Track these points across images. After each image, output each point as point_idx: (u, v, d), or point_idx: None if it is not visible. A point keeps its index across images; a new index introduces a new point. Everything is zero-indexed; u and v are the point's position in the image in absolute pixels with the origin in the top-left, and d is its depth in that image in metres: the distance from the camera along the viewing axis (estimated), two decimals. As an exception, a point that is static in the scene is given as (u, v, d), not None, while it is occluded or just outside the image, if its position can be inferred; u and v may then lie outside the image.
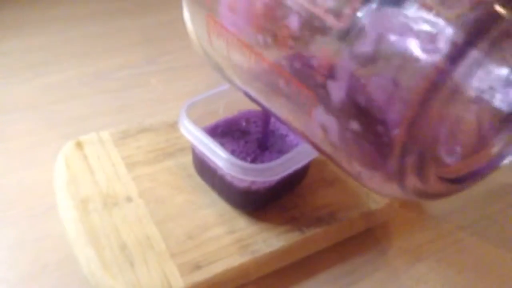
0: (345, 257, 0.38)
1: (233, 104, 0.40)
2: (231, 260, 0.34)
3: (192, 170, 0.40)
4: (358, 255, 0.39)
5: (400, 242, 0.40)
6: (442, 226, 0.42)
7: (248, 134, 0.39)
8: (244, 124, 0.40)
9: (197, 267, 0.33)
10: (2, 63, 0.56)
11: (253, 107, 0.37)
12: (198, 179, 0.40)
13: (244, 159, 0.37)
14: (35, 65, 0.56)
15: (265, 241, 0.36)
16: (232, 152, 0.37)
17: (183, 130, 0.36)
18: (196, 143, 0.35)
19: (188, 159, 0.41)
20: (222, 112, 0.40)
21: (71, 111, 0.49)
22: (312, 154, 0.36)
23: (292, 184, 0.39)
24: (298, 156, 0.35)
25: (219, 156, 0.33)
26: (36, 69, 0.55)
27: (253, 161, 0.37)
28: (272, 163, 0.33)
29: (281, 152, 0.38)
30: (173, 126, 0.45)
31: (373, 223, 0.40)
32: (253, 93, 0.29)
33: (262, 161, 0.37)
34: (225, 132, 0.39)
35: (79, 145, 0.42)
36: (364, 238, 0.40)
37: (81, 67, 0.56)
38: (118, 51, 0.60)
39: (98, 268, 0.32)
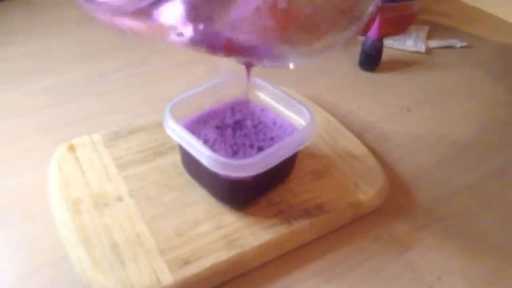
0: (336, 247, 0.39)
1: (218, 98, 0.40)
2: (219, 255, 0.35)
3: (181, 168, 0.41)
4: (348, 245, 0.39)
5: (390, 230, 0.40)
6: (432, 213, 0.42)
7: (233, 124, 0.40)
8: (229, 113, 0.40)
9: (186, 262, 0.34)
10: (-3, 70, 0.57)
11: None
12: (187, 177, 0.40)
13: (228, 149, 0.37)
14: (28, 71, 0.57)
15: (253, 234, 0.36)
16: (214, 142, 0.37)
17: (168, 130, 0.36)
18: (180, 141, 0.35)
19: (178, 157, 0.41)
20: (208, 106, 0.40)
21: (64, 115, 0.50)
22: (297, 147, 0.37)
23: (279, 176, 0.39)
24: (281, 150, 0.35)
25: (202, 153, 0.34)
26: (29, 75, 0.56)
27: (237, 151, 0.37)
28: (255, 158, 0.34)
29: (272, 139, 0.38)
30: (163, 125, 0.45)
31: (361, 213, 0.40)
32: None
33: (245, 152, 0.37)
34: (210, 122, 0.39)
35: (71, 148, 0.43)
36: (354, 228, 0.40)
37: (73, 71, 0.57)
38: (109, 55, 0.61)
39: (89, 266, 0.33)
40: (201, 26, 0.26)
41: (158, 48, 0.63)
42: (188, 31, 0.26)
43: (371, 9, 0.31)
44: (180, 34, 0.26)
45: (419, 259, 0.38)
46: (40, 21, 0.68)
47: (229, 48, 0.29)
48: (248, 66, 0.36)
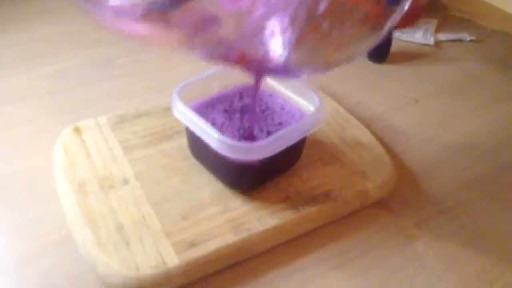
0: (342, 235, 0.38)
1: (226, 82, 0.40)
2: (225, 238, 0.34)
3: (187, 152, 0.41)
4: (354, 233, 0.39)
5: (398, 220, 0.40)
6: (439, 204, 0.42)
7: (241, 109, 0.39)
8: (237, 98, 0.40)
9: (192, 245, 0.34)
10: (3, 55, 0.57)
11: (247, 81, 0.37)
12: (193, 161, 0.40)
13: (235, 133, 0.37)
14: (35, 56, 0.57)
15: (259, 219, 0.36)
16: (222, 125, 0.37)
17: (175, 112, 0.36)
18: (188, 124, 0.35)
19: (184, 142, 0.41)
20: (217, 90, 0.40)
21: (69, 100, 0.50)
22: (306, 132, 0.36)
23: (286, 162, 0.39)
24: (290, 134, 0.35)
25: (210, 136, 0.33)
26: (36, 60, 0.56)
27: (245, 135, 0.37)
28: (264, 141, 0.33)
29: (281, 124, 0.38)
30: (169, 110, 0.45)
31: (368, 201, 0.40)
32: None
33: (253, 136, 0.37)
34: (218, 106, 0.39)
35: (77, 130, 0.42)
36: (361, 216, 0.40)
37: (79, 57, 0.57)
38: (115, 41, 0.61)
39: (94, 247, 0.33)
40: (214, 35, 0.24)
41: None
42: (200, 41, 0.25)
43: (395, 17, 0.29)
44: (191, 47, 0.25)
45: (426, 249, 0.38)
46: (45, 7, 0.68)
47: (243, 60, 0.28)
48: (259, 78, 0.35)
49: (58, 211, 0.37)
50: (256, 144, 0.33)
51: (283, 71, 0.29)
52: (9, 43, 0.59)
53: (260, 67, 0.29)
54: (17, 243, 0.36)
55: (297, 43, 0.26)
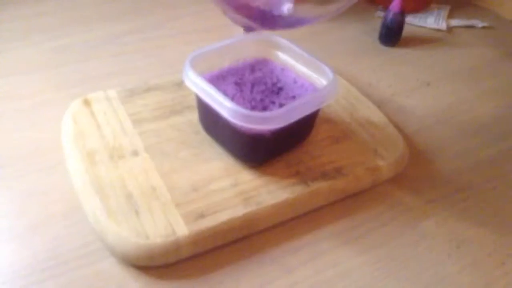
0: (352, 212, 0.38)
1: (238, 56, 0.39)
2: (235, 210, 0.34)
3: (198, 127, 0.40)
4: (365, 211, 0.38)
5: (408, 199, 0.40)
6: (451, 184, 0.41)
7: (253, 81, 0.39)
8: (249, 71, 0.40)
9: (201, 216, 0.33)
10: (12, 27, 0.56)
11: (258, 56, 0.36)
12: (204, 135, 0.40)
13: (247, 104, 0.36)
14: (45, 29, 0.56)
15: (270, 193, 0.36)
16: (233, 97, 0.36)
17: (186, 81, 0.35)
18: (199, 93, 0.35)
19: (195, 116, 0.41)
20: (228, 64, 0.39)
21: (80, 73, 0.50)
22: (319, 105, 0.36)
23: (298, 136, 0.38)
24: (303, 106, 0.34)
25: (222, 105, 0.33)
26: (46, 34, 0.56)
27: (257, 107, 0.36)
28: (277, 111, 0.33)
29: (294, 98, 0.37)
30: (180, 85, 0.44)
31: (380, 179, 0.39)
32: None
33: (265, 108, 0.36)
34: (229, 79, 0.39)
35: (86, 102, 0.42)
36: (372, 194, 0.39)
37: (90, 31, 0.57)
38: (126, 17, 0.60)
39: (103, 215, 0.33)
40: None
41: (175, 13, 0.62)
42: None
43: None
44: None
45: (437, 227, 0.38)
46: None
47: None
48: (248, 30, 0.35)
49: (67, 181, 0.37)
50: (269, 113, 0.33)
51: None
52: (19, 16, 0.59)
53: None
54: (26, 211, 0.35)
55: None
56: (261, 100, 0.37)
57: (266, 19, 0.30)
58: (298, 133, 0.38)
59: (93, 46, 0.54)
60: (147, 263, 0.32)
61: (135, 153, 0.38)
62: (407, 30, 0.62)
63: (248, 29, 0.35)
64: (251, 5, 0.28)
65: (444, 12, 0.68)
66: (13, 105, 0.45)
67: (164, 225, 0.32)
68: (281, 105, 0.36)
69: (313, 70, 0.39)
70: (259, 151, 0.36)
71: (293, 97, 0.37)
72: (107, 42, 0.55)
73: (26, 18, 0.58)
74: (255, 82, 0.38)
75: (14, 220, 0.35)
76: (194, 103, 0.40)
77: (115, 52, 0.54)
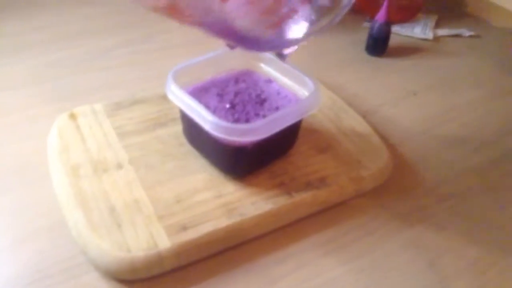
0: (336, 222, 0.38)
1: (222, 68, 0.40)
2: (218, 222, 0.34)
3: (183, 139, 0.41)
4: (349, 220, 0.38)
5: (393, 207, 0.40)
6: (435, 193, 0.42)
7: (235, 92, 0.39)
8: (233, 83, 0.40)
9: (184, 228, 0.33)
10: (2, 43, 0.57)
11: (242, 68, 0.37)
12: (188, 147, 0.40)
13: (229, 117, 0.37)
14: (34, 45, 0.57)
15: (253, 204, 0.36)
16: (215, 109, 0.37)
17: (169, 94, 0.36)
18: (181, 106, 0.35)
19: (179, 128, 0.41)
20: (212, 76, 0.40)
21: (68, 87, 0.50)
22: (300, 116, 0.36)
23: (280, 147, 0.39)
24: (284, 117, 0.34)
25: (203, 117, 0.33)
26: (35, 50, 0.56)
27: (239, 119, 0.37)
28: (257, 123, 0.33)
29: (277, 109, 0.38)
30: (165, 97, 0.44)
31: (363, 189, 0.40)
32: None
33: (248, 120, 0.36)
34: (212, 90, 0.39)
35: (72, 116, 0.42)
36: (356, 204, 0.40)
37: (79, 46, 0.57)
38: (116, 31, 0.61)
39: (85, 228, 0.33)
40: None
41: (164, 26, 0.62)
42: None
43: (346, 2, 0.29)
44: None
45: (420, 237, 0.38)
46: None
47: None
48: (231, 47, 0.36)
49: (52, 194, 0.37)
50: (249, 125, 0.33)
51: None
52: (9, 33, 0.59)
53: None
54: (12, 225, 0.36)
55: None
56: (246, 112, 0.37)
57: (251, 43, 0.30)
58: (281, 144, 0.38)
59: (82, 61, 0.55)
60: (130, 277, 0.32)
61: (119, 166, 0.38)
62: (394, 40, 0.63)
63: (231, 47, 0.35)
64: (234, 30, 0.28)
65: (431, 21, 0.69)
66: (1, 120, 0.45)
67: (146, 238, 0.32)
68: (264, 117, 0.37)
69: (296, 81, 0.39)
70: (242, 163, 0.37)
71: (277, 108, 0.38)
72: (96, 56, 0.56)
73: (15, 35, 0.59)
74: (238, 94, 0.38)
75: (1, 234, 0.35)
76: (178, 115, 0.40)
77: (104, 66, 0.54)
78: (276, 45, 0.31)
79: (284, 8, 0.27)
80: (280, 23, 0.28)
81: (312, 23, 0.29)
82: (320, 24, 0.29)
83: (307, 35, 0.30)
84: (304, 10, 0.28)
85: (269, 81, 0.41)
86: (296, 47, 0.33)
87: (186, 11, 0.26)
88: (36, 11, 0.64)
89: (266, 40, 0.29)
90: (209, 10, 0.26)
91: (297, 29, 0.29)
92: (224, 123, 0.32)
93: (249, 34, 0.28)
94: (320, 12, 0.29)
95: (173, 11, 0.26)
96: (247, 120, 0.36)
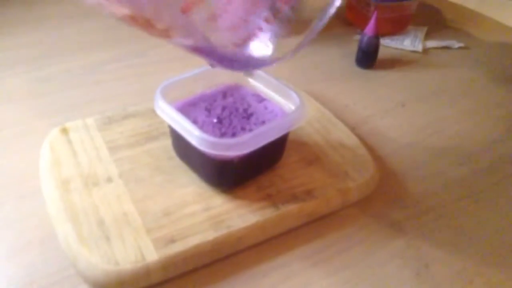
0: (323, 233, 0.39)
1: (210, 83, 0.41)
2: (206, 235, 0.35)
3: (172, 153, 0.41)
4: (336, 231, 0.39)
5: (378, 219, 0.40)
6: (422, 204, 0.42)
7: (223, 107, 0.40)
8: (221, 97, 0.41)
9: (172, 241, 0.34)
10: (-3, 59, 0.58)
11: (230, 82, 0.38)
12: (177, 161, 0.41)
13: (216, 131, 0.37)
14: (27, 60, 0.58)
15: (240, 216, 0.36)
16: (203, 124, 0.37)
17: (157, 109, 0.37)
18: (169, 121, 0.36)
19: (169, 142, 0.42)
20: (200, 90, 0.41)
21: (61, 102, 0.51)
22: (286, 129, 0.37)
23: (267, 160, 0.39)
24: (270, 131, 0.35)
25: (190, 132, 0.34)
26: (27, 64, 0.57)
27: (226, 133, 0.37)
28: (243, 137, 0.34)
29: (264, 123, 0.39)
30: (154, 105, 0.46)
31: (350, 201, 0.40)
32: None
33: (235, 134, 0.37)
34: (200, 105, 0.40)
35: (64, 131, 0.43)
36: (342, 215, 0.40)
37: (72, 61, 0.58)
38: (109, 45, 0.62)
39: (74, 242, 0.33)
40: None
41: (157, 41, 0.63)
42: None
43: (321, 21, 0.29)
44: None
45: (407, 247, 0.38)
46: (38, 13, 0.69)
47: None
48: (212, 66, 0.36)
49: (43, 208, 0.38)
50: (234, 140, 0.34)
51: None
52: (2, 48, 0.60)
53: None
54: (3, 238, 0.36)
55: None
56: (233, 126, 0.38)
57: (226, 61, 0.31)
58: (268, 157, 0.39)
59: (75, 75, 0.56)
60: (118, 289, 0.32)
61: (110, 180, 0.39)
62: (384, 52, 0.64)
63: (212, 65, 0.36)
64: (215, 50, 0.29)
65: (421, 34, 0.70)
66: (-7, 134, 0.46)
67: (134, 251, 0.33)
68: (250, 131, 0.37)
69: (283, 95, 0.40)
70: (228, 176, 0.37)
71: (263, 122, 0.39)
72: (89, 71, 0.57)
73: (7, 49, 0.60)
74: (226, 108, 0.39)
75: (-11, 249, 0.35)
76: (168, 129, 0.41)
77: (97, 80, 0.55)
78: (252, 64, 0.32)
79: (249, 24, 0.28)
80: (247, 40, 0.29)
81: (282, 39, 0.30)
82: (293, 41, 0.30)
83: (283, 54, 0.31)
84: (270, 27, 0.29)
85: (257, 95, 0.42)
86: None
87: (151, 23, 0.27)
88: (28, 26, 0.66)
89: (238, 58, 0.30)
90: (173, 24, 0.26)
91: (265, 46, 0.29)
92: (210, 138, 0.33)
93: (219, 51, 0.29)
94: (289, 28, 0.30)
95: (135, 22, 0.27)
96: (233, 134, 0.37)
